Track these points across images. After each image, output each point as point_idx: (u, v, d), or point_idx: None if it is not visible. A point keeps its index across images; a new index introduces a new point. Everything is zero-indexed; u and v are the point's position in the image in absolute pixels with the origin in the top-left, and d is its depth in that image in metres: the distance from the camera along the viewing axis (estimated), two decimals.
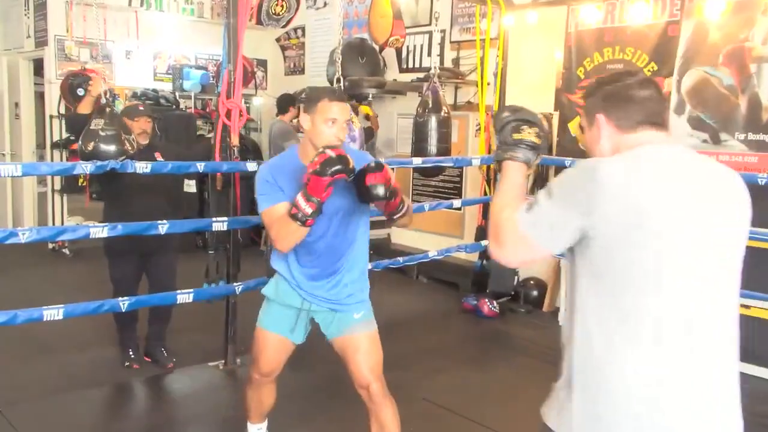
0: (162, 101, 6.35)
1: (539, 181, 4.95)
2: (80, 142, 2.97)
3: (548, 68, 4.85)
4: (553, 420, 1.27)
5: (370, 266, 4.08)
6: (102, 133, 2.98)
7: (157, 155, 3.31)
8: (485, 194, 4.84)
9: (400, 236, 6.23)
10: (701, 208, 1.18)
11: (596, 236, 1.16)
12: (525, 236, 1.22)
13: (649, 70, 4.12)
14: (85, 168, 2.78)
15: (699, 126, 3.95)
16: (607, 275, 1.17)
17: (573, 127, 4.59)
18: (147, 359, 3.55)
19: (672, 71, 4.02)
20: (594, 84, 1.35)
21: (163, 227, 2.95)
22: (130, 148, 3.02)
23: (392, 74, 6.16)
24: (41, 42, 6.49)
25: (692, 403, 1.15)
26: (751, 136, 3.76)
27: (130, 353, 3.56)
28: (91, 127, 2.95)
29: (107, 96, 3.12)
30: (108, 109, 3.04)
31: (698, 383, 1.16)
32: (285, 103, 5.98)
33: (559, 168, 4.59)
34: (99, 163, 2.85)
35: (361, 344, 2.23)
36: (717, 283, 1.19)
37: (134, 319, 3.57)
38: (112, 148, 2.96)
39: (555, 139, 4.78)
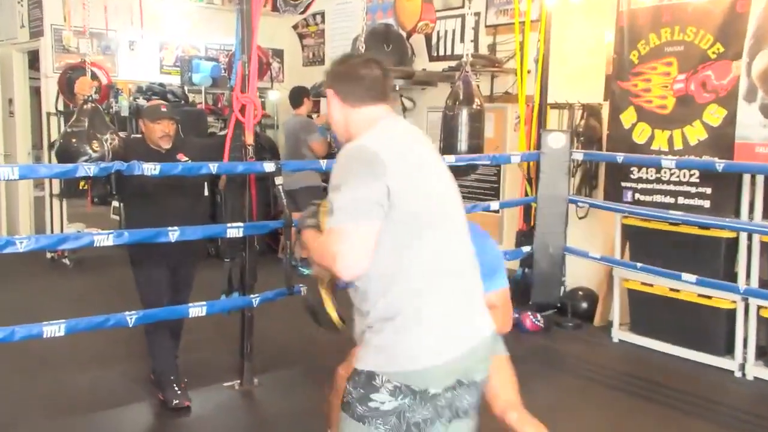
0: (169, 96, 6.44)
1: (587, 179, 4.91)
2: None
3: (597, 53, 4.81)
4: None
5: None
6: (68, 130, 3.06)
7: (180, 156, 3.34)
8: (526, 195, 4.81)
9: None
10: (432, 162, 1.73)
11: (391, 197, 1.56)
12: (348, 228, 1.51)
13: (713, 52, 4.05)
14: (88, 170, 2.83)
15: None
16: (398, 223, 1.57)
17: (626, 118, 4.53)
18: (152, 377, 3.55)
19: (740, 53, 3.94)
20: (329, 65, 1.80)
21: (173, 234, 3.00)
22: (98, 148, 3.07)
23: (421, 63, 6.17)
24: (36, 32, 6.62)
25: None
26: None
27: (175, 388, 3.32)
28: (66, 126, 3.04)
29: (93, 95, 3.19)
30: (86, 107, 3.11)
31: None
32: (298, 96, 6.07)
33: (611, 165, 4.55)
34: (103, 164, 2.91)
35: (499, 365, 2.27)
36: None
37: (175, 336, 3.50)
38: (77, 147, 3.04)
39: (605, 132, 4.73)
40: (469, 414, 1.67)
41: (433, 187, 1.68)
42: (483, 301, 1.71)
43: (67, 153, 3.14)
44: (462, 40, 5.73)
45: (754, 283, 3.82)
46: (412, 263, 1.57)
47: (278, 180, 3.41)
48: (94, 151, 3.08)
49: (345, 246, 1.51)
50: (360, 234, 1.51)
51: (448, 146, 4.80)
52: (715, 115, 4.05)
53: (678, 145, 4.24)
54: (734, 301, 3.92)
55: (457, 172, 5.26)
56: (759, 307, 3.84)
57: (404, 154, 1.64)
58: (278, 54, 7.87)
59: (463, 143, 4.74)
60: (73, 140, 3.13)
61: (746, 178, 3.88)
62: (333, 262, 1.51)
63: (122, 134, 6.29)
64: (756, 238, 3.83)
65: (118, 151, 3.22)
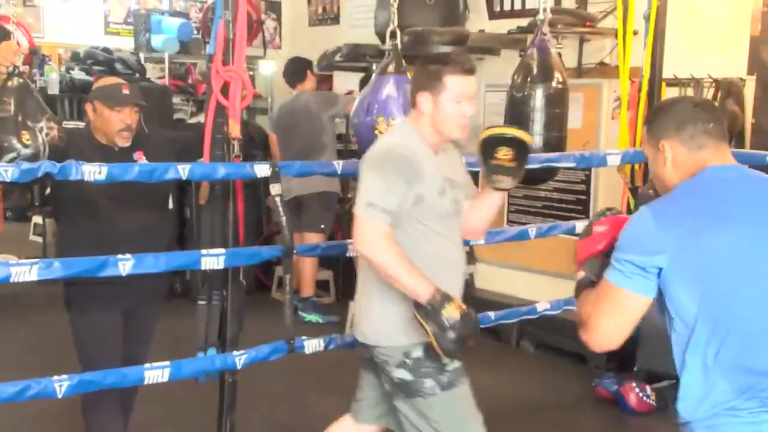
0: (118, 66, 6.45)
1: None
2: None
3: (736, 6, 4.78)
4: None
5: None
6: None
7: (139, 156, 3.35)
8: (629, 211, 4.74)
9: (489, 278, 6.19)
10: None
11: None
12: None
13: None
14: (4, 173, 2.82)
15: None
16: None
17: None
18: None
19: None
20: None
21: (124, 264, 2.98)
22: (30, 141, 3.04)
23: (478, 23, 6.19)
24: None
25: None
26: None
27: None
28: None
29: (19, 66, 3.17)
30: (11, 83, 3.09)
31: None
32: (299, 71, 6.09)
33: (757, 168, 4.45)
34: (26, 166, 2.89)
35: None
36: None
37: (127, 409, 3.53)
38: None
39: (749, 120, 4.67)
40: None
41: None
42: None
43: None
44: None
45: None
46: None
47: (275, 189, 3.38)
48: (25, 146, 3.06)
49: None
50: None
51: None
52: None
53: None
54: None
55: (529, 177, 5.24)
56: None
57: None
58: (274, 8, 7.90)
59: (537, 136, 4.71)
60: None
61: None
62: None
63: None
64: None
65: (58, 144, 3.20)
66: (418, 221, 2.72)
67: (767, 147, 4.34)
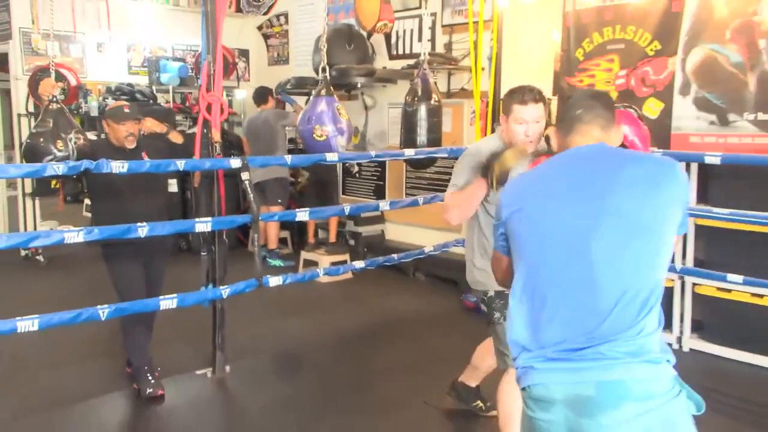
0: (138, 96, 6.31)
1: None
2: None
3: (546, 51, 4.84)
4: None
5: (363, 264, 4.13)
6: (34, 130, 3.00)
7: (144, 154, 3.27)
8: None
9: (394, 232, 6.24)
10: None
11: None
12: None
13: (651, 50, 4.13)
14: (56, 169, 2.76)
15: (705, 107, 3.97)
16: None
17: None
18: (128, 371, 3.50)
19: (676, 50, 4.04)
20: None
21: (142, 230, 2.94)
22: (63, 147, 3.01)
23: (382, 62, 6.15)
24: (5, 35, 6.43)
25: None
26: (761, 116, 3.79)
27: (149, 377, 3.31)
28: (33, 127, 2.99)
29: (58, 95, 3.12)
30: (51, 107, 3.04)
31: None
32: (263, 94, 6.05)
33: None
34: (72, 163, 2.84)
35: None
36: None
37: (149, 329, 3.44)
38: (43, 147, 2.99)
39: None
40: None
41: None
42: None
43: (33, 152, 3.06)
44: (420, 39, 5.74)
45: None
46: None
47: (245, 175, 3.37)
48: (59, 150, 2.99)
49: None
50: None
51: (408, 140, 4.80)
52: (653, 108, 4.14)
53: None
54: None
55: (418, 164, 5.32)
56: None
57: None
58: (244, 54, 7.76)
59: (422, 137, 4.75)
60: (40, 140, 3.05)
61: (681, 167, 3.97)
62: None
63: (91, 134, 6.18)
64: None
65: (84, 149, 3.13)
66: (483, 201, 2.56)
67: None
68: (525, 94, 2.54)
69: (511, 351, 1.61)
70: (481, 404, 3.09)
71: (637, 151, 2.25)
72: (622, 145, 1.86)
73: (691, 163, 3.90)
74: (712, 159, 3.58)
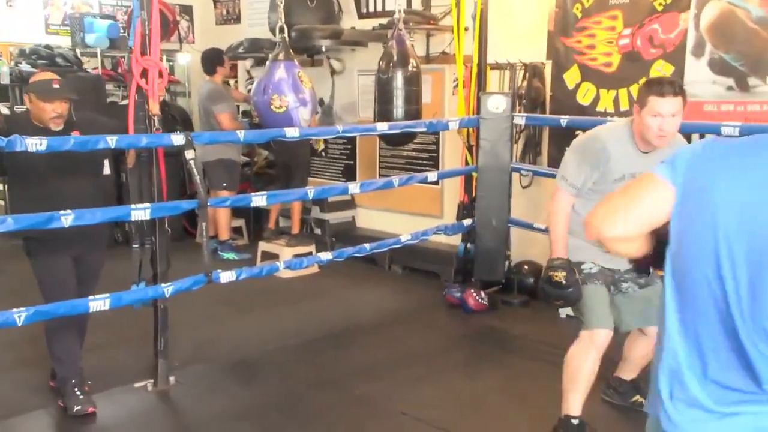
0: (59, 61, 6.15)
1: (531, 145, 4.97)
2: None
3: (539, 7, 4.84)
4: None
5: (330, 255, 4.10)
6: None
7: (75, 134, 3.14)
8: (467, 164, 4.83)
9: (366, 219, 6.22)
10: None
11: None
12: None
13: (660, 4, 4.14)
14: None
15: (723, 70, 3.99)
16: None
17: (570, 78, 4.59)
18: (51, 384, 3.42)
19: (688, 4, 4.05)
20: None
21: (66, 218, 2.86)
22: None
23: (350, 21, 6.08)
24: None
25: None
26: None
27: (77, 392, 3.22)
28: None
29: None
30: None
31: None
32: (212, 61, 5.84)
33: (555, 129, 4.61)
34: None
35: None
36: None
37: (81, 333, 3.37)
38: None
39: (548, 93, 4.79)
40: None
41: None
42: None
43: None
44: None
45: None
46: None
47: (189, 154, 3.29)
48: None
49: None
50: None
51: (382, 112, 4.78)
52: (662, 72, 4.15)
53: (624, 106, 4.33)
54: None
55: (393, 140, 5.29)
56: None
57: None
58: (187, 11, 7.62)
59: (399, 109, 4.73)
60: None
61: (695, 138, 4.00)
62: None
63: (2, 105, 5.98)
64: None
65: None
66: (599, 193, 2.74)
67: (561, 112, 4.45)
68: (664, 85, 2.63)
69: None
70: (640, 399, 3.12)
71: None
72: None
73: (705, 135, 3.92)
74: (730, 130, 3.59)
